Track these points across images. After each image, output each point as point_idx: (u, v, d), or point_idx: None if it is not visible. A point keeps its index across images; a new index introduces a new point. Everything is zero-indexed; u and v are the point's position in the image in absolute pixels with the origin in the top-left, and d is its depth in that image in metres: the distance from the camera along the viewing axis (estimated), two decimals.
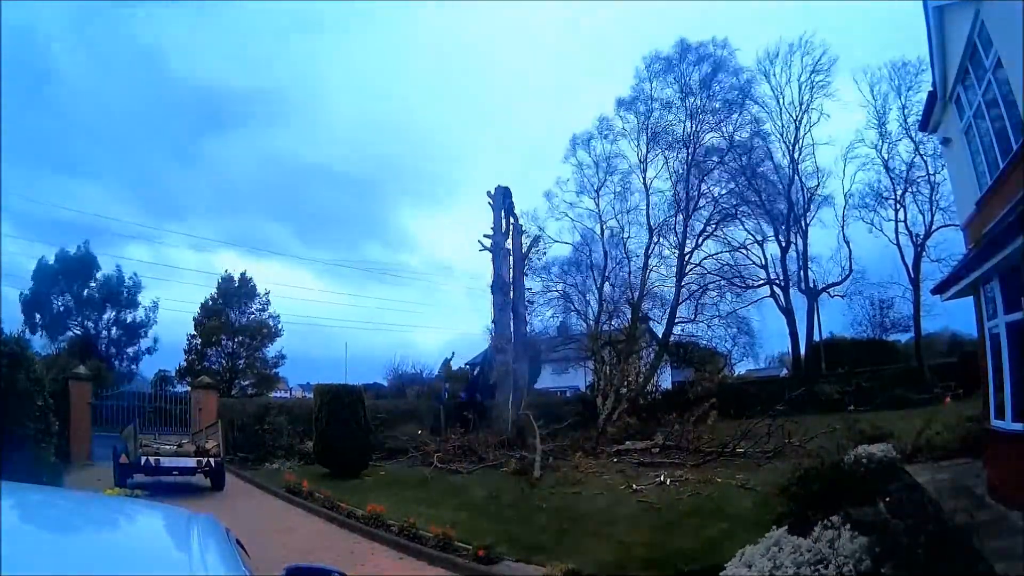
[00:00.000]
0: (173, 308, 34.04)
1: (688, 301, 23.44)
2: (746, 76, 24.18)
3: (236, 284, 30.17)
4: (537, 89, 66.41)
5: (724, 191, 23.42)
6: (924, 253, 22.65)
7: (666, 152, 24.11)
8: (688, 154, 23.47)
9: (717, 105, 23.83)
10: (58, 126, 48.46)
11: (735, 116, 23.88)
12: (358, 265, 66.35)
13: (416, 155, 68.13)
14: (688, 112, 23.79)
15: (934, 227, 22.25)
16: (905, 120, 22.39)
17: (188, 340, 28.95)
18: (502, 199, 21.61)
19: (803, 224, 24.83)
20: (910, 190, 22.86)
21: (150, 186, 53.01)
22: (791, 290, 24.95)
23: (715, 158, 23.53)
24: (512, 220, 21.78)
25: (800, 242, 24.86)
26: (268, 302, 30.52)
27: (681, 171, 23.63)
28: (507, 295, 20.71)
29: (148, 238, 58.11)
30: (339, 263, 69.32)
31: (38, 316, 27.46)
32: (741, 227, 23.95)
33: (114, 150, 54.12)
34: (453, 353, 31.43)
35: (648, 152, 24.29)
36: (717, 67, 23.72)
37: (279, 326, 30.57)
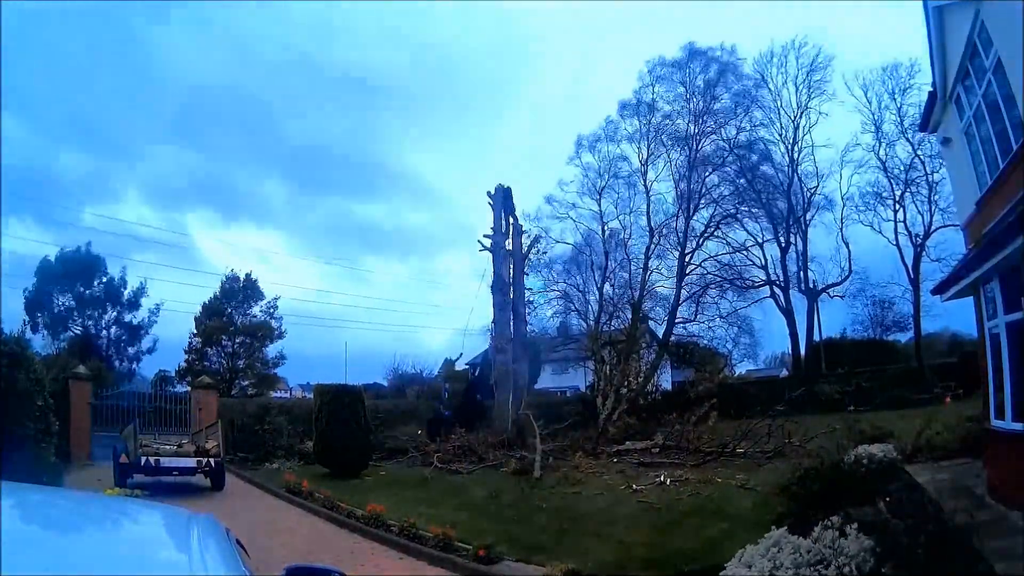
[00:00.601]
0: (170, 308, 33.64)
1: (689, 301, 23.49)
2: (751, 79, 24.35)
3: (240, 284, 30.22)
4: (544, 88, 66.29)
5: (726, 192, 23.47)
6: (924, 253, 22.70)
7: (669, 154, 24.19)
8: (690, 155, 23.51)
9: (720, 108, 23.92)
10: None
11: (738, 119, 23.96)
12: (358, 237, 63.08)
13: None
14: (692, 114, 23.86)
15: (934, 227, 22.32)
16: (901, 121, 22.49)
17: (189, 340, 28.99)
18: (502, 199, 21.60)
19: (803, 224, 24.88)
20: (909, 190, 22.93)
21: (83, 112, 41.82)
22: (791, 290, 25.02)
23: (717, 160, 23.58)
24: (512, 220, 21.77)
25: (800, 242, 24.93)
26: (275, 306, 30.62)
27: (683, 172, 23.69)
28: (507, 295, 20.70)
29: (99, 196, 44.06)
30: (335, 242, 64.56)
31: (39, 315, 27.47)
32: (741, 228, 24.03)
33: (25, 61, 39.76)
34: (461, 354, 31.43)
35: (650, 154, 24.34)
36: (723, 71, 23.79)
37: (282, 327, 30.66)
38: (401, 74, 63.77)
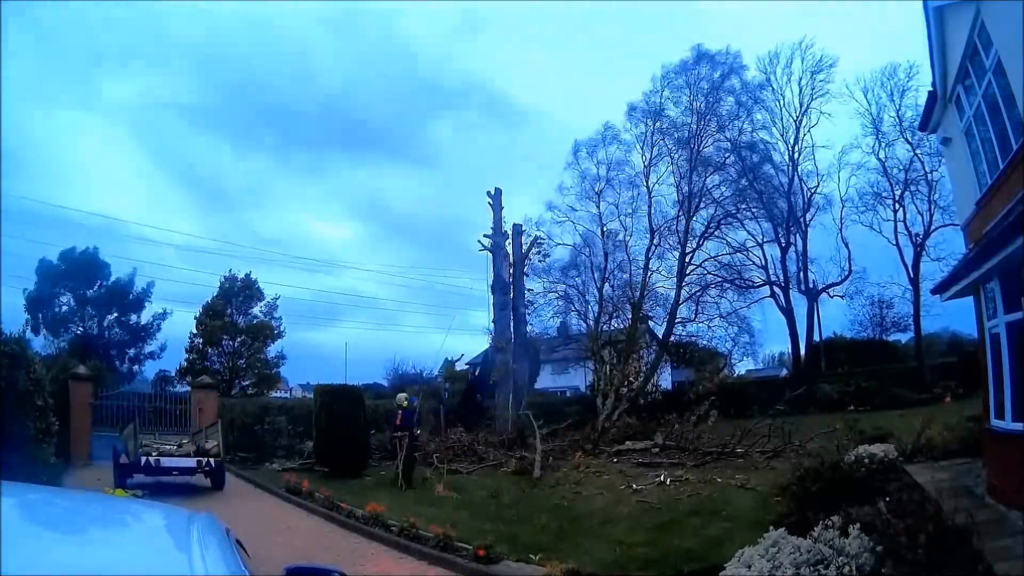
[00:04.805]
0: (171, 308, 33.75)
1: (689, 302, 23.44)
2: (755, 81, 24.35)
3: (239, 284, 30.23)
4: (543, 90, 66.30)
5: (727, 192, 23.40)
6: (924, 253, 22.72)
7: (671, 155, 24.08)
8: (692, 157, 23.44)
9: (724, 111, 23.85)
10: None
11: (740, 120, 23.91)
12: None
13: None
14: (695, 116, 23.78)
15: (933, 227, 22.35)
16: (900, 121, 22.50)
17: (190, 339, 28.99)
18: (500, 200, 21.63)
19: (803, 224, 24.88)
20: (909, 190, 22.95)
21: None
22: (791, 290, 25.02)
23: (719, 160, 23.53)
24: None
25: (800, 243, 24.93)
26: (276, 306, 30.66)
27: (685, 173, 23.62)
28: (507, 295, 20.71)
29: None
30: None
31: (40, 316, 27.45)
32: (742, 228, 23.97)
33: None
34: (462, 355, 31.39)
35: (652, 156, 24.26)
36: (727, 74, 23.74)
37: (282, 327, 30.69)
38: (401, 74, 64.11)
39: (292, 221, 64.78)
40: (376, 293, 72.65)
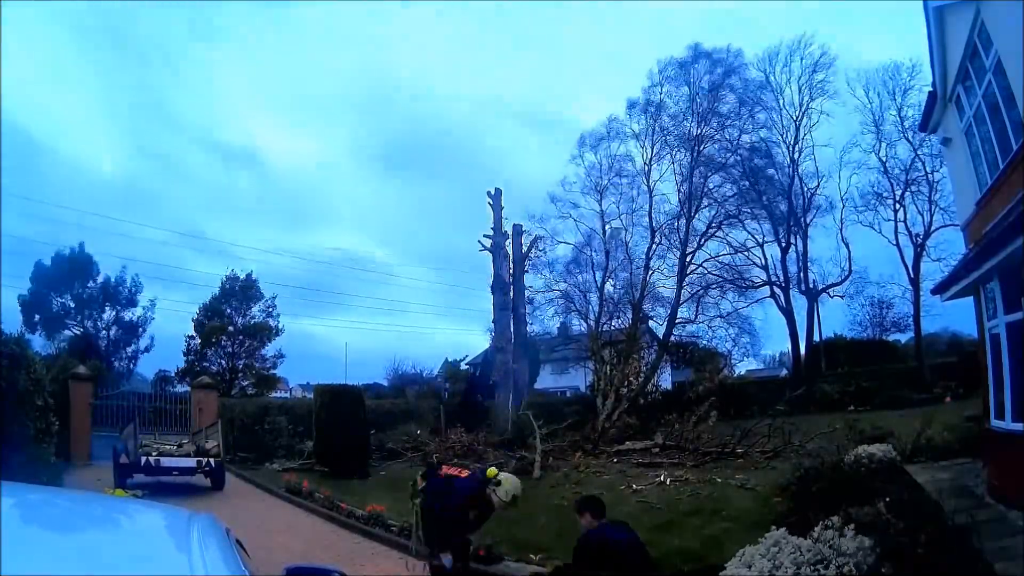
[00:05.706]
0: (170, 308, 33.73)
1: (689, 302, 23.45)
2: (755, 81, 24.35)
3: (239, 284, 30.21)
4: (545, 89, 66.15)
5: (728, 193, 23.40)
6: (924, 253, 22.71)
7: (673, 153, 24.11)
8: (693, 156, 23.45)
9: (725, 110, 23.83)
10: None
11: (741, 120, 23.89)
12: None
13: None
14: (696, 115, 23.79)
15: (934, 227, 22.34)
16: (902, 121, 22.51)
17: (187, 341, 28.95)
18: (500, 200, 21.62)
19: (803, 225, 24.87)
20: (909, 190, 22.95)
21: None
22: (791, 290, 25.02)
23: (720, 160, 23.53)
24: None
25: (800, 243, 24.92)
26: (274, 305, 30.64)
27: (686, 173, 23.63)
28: (507, 295, 20.70)
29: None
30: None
31: (36, 317, 27.38)
32: (742, 228, 23.97)
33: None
34: (466, 355, 31.41)
35: (654, 154, 24.29)
36: (728, 73, 23.72)
37: (279, 326, 30.66)
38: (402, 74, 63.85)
39: (255, 124, 59.08)
40: (374, 254, 68.29)
